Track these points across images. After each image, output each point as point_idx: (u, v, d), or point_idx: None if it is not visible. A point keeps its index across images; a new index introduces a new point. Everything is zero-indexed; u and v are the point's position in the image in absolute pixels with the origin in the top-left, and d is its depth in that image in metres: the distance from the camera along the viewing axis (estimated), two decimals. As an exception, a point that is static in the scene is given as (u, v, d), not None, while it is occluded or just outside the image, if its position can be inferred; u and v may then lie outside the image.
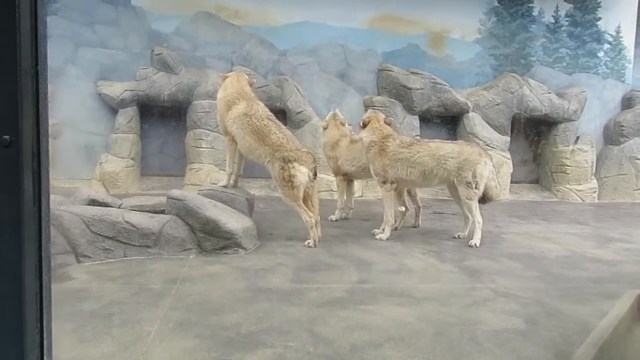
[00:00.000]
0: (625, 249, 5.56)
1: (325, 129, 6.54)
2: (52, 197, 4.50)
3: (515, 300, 3.80)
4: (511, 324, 3.34)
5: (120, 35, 8.46)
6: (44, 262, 1.30)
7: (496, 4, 9.28)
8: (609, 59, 9.67)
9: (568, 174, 9.18)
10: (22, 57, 1.19)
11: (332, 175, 6.84)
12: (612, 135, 9.52)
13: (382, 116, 5.94)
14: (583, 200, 9.09)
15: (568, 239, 5.95)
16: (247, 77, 5.76)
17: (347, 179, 6.58)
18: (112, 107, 8.33)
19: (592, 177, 9.29)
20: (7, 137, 1.18)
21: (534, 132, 9.64)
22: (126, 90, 8.22)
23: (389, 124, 5.86)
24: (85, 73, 8.30)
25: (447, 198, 6.77)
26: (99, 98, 8.31)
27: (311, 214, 5.16)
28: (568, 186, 9.18)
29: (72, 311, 3.29)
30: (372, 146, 5.62)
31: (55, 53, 7.96)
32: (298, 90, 8.49)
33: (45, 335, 1.32)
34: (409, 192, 6.24)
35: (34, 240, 1.27)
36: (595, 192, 9.23)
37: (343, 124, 6.57)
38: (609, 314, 2.96)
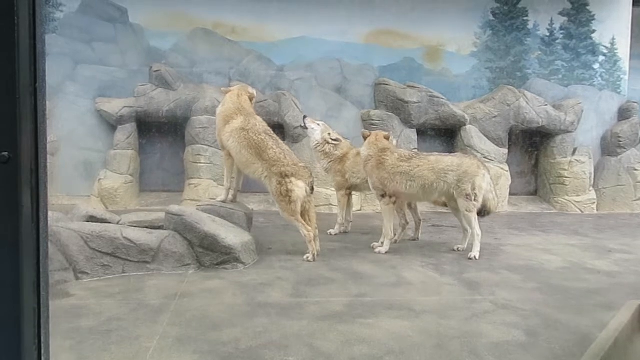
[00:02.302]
0: (625, 260, 5.56)
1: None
2: (50, 213, 4.51)
3: (515, 312, 3.79)
4: (511, 336, 3.32)
5: (119, 53, 8.52)
6: (42, 278, 1.30)
7: (491, 17, 9.37)
8: (604, 70, 9.73)
9: (566, 185, 9.19)
10: (21, 74, 1.21)
11: (335, 190, 6.77)
12: (610, 146, 9.55)
13: (382, 133, 5.95)
14: (582, 212, 9.09)
15: (567, 251, 5.94)
16: (249, 91, 5.75)
17: (349, 193, 6.57)
18: (111, 124, 8.36)
19: (591, 188, 9.30)
20: (5, 153, 1.19)
21: (531, 144, 9.67)
22: (125, 106, 8.26)
23: (387, 139, 5.87)
24: (84, 90, 8.35)
25: (446, 211, 6.78)
26: (97, 115, 8.35)
27: (309, 228, 5.16)
28: (567, 197, 9.19)
29: (70, 328, 3.27)
30: (369, 160, 5.64)
31: (54, 70, 8.01)
32: (296, 105, 8.53)
33: (43, 352, 1.31)
34: (409, 205, 6.23)
35: (32, 257, 1.28)
36: (594, 203, 9.24)
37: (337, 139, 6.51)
38: (609, 325, 2.95)
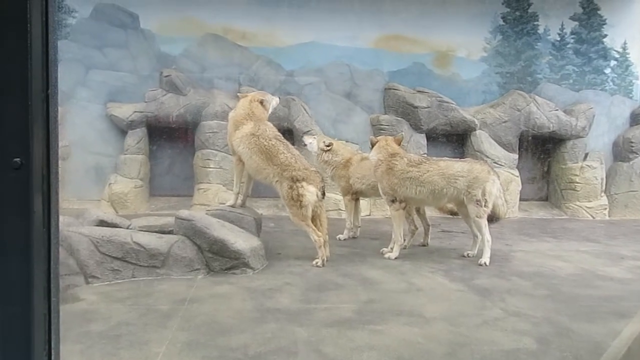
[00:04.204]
0: (638, 267, 5.49)
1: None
2: (61, 218, 4.53)
3: (526, 319, 3.75)
4: (522, 344, 3.29)
5: (130, 58, 8.58)
6: (53, 283, 1.31)
7: (501, 22, 9.33)
8: (615, 75, 9.65)
9: (577, 191, 9.11)
10: (33, 81, 1.21)
11: (341, 195, 6.79)
12: (622, 151, 9.46)
13: (391, 138, 5.94)
14: (593, 218, 9.00)
15: (579, 257, 5.88)
16: (264, 97, 5.74)
17: (355, 198, 6.57)
18: (121, 129, 8.41)
19: (602, 194, 9.21)
20: (17, 159, 1.20)
21: (542, 149, 9.60)
22: (135, 111, 8.31)
23: (399, 143, 5.85)
24: (95, 95, 8.42)
25: (456, 216, 6.74)
26: (108, 119, 8.41)
27: (319, 234, 5.15)
28: (578, 203, 9.11)
29: (80, 332, 3.28)
30: (379, 165, 5.63)
31: (66, 76, 8.08)
32: (305, 109, 8.54)
33: (53, 357, 1.31)
34: (418, 211, 6.22)
35: (43, 262, 1.28)
36: (605, 209, 9.14)
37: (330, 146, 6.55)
38: (623, 334, 2.91)
